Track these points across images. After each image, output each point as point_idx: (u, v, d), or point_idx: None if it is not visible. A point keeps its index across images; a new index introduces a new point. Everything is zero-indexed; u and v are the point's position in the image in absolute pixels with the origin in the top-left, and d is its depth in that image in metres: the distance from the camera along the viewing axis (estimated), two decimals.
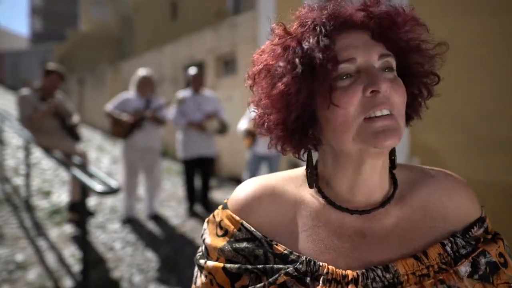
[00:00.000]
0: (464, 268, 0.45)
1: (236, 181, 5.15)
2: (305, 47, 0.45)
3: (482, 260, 0.46)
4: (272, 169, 3.55)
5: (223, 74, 5.91)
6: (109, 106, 3.56)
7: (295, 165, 4.39)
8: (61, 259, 2.82)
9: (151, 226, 3.59)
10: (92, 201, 4.15)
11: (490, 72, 2.47)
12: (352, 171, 0.49)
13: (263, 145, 3.45)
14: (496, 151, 2.45)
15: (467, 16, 2.54)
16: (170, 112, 3.73)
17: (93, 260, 2.74)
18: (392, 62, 0.47)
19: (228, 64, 5.85)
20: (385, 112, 0.44)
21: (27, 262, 2.76)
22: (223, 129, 3.77)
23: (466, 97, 2.59)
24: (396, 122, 0.45)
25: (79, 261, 2.74)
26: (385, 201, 0.50)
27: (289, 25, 0.50)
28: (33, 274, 2.59)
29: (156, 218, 3.73)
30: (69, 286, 2.46)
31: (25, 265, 2.70)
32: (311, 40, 0.45)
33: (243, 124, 3.56)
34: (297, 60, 0.45)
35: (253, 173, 3.60)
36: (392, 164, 0.53)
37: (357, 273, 0.45)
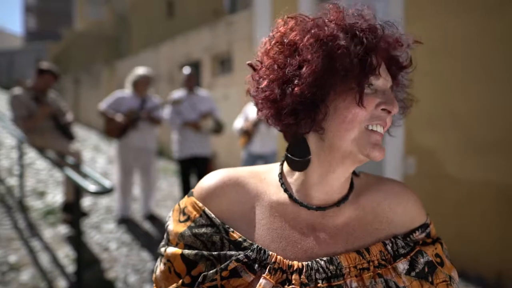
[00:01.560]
0: (402, 265, 0.50)
1: None
2: (367, 41, 0.48)
3: (421, 260, 0.50)
4: None
5: (219, 73, 5.89)
6: (103, 105, 3.50)
7: None
8: (55, 260, 2.79)
9: (147, 226, 3.56)
10: (87, 201, 4.12)
11: (485, 71, 2.47)
12: (326, 169, 0.52)
13: (258, 144, 3.44)
14: (491, 150, 2.46)
15: (462, 15, 2.54)
16: (165, 112, 3.70)
17: (87, 261, 2.72)
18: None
19: (224, 63, 5.83)
20: (380, 130, 0.50)
21: (21, 263, 2.73)
22: (218, 128, 3.75)
23: (461, 96, 2.60)
24: (381, 140, 0.51)
25: (73, 262, 2.72)
26: (340, 201, 0.54)
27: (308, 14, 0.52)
28: (26, 275, 2.56)
29: (152, 218, 3.71)
30: (63, 287, 2.44)
31: (18, 266, 2.67)
32: (370, 38, 0.48)
33: (239, 123, 3.55)
34: (358, 49, 0.47)
35: None
36: (354, 172, 0.58)
37: (302, 264, 0.48)
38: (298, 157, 0.53)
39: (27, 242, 3.09)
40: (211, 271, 0.48)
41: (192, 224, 0.52)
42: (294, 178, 0.55)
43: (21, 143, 4.08)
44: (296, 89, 0.48)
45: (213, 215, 0.52)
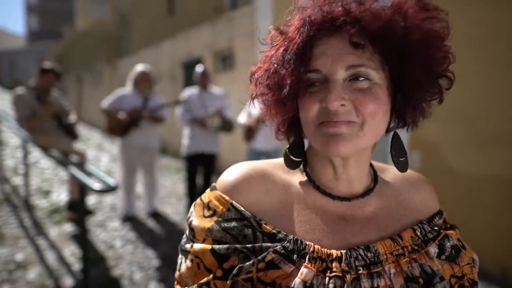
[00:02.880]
0: (433, 249, 0.51)
1: None
2: (286, 57, 0.49)
3: (447, 244, 0.52)
4: None
5: (221, 69, 5.88)
6: (105, 103, 3.48)
7: None
8: (61, 258, 2.81)
9: (151, 223, 3.58)
10: (91, 200, 4.14)
11: (490, 65, 2.45)
12: (331, 165, 0.53)
13: (262, 141, 3.44)
14: (496, 145, 2.44)
15: (466, 8, 2.51)
16: (177, 109, 3.73)
17: (93, 259, 2.74)
18: (367, 71, 0.46)
19: (226, 60, 5.81)
20: (335, 118, 0.47)
21: (27, 261, 2.75)
22: (227, 126, 3.75)
23: (465, 90, 2.57)
24: (352, 128, 0.46)
25: (79, 260, 2.74)
26: (365, 193, 0.54)
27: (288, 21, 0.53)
28: (33, 273, 2.58)
29: (156, 215, 3.72)
30: (70, 284, 2.46)
31: (25, 265, 2.70)
32: (290, 47, 0.49)
33: (242, 120, 3.54)
34: (287, 60, 0.49)
35: None
36: (393, 159, 0.55)
37: (341, 252, 0.48)
38: (294, 156, 0.56)
39: (33, 241, 3.12)
40: (247, 263, 0.46)
41: (220, 219, 0.51)
42: (316, 171, 0.55)
43: (26, 142, 4.10)
44: (271, 109, 0.53)
45: (242, 208, 0.51)
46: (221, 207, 0.51)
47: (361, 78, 0.47)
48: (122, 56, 11.12)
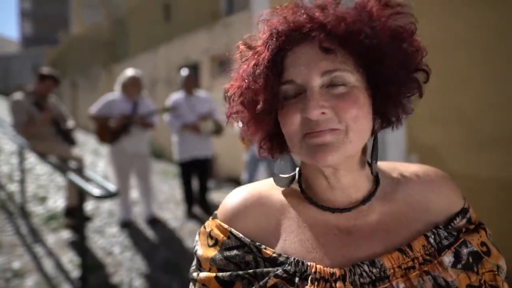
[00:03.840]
0: (447, 258, 0.47)
1: (235, 182, 5.13)
2: (257, 72, 0.47)
3: (464, 250, 0.48)
4: (271, 169, 3.54)
5: (218, 74, 5.89)
6: (93, 109, 3.41)
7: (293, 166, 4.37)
8: (59, 266, 2.77)
9: (150, 229, 3.55)
10: (89, 206, 4.10)
11: (489, 66, 2.48)
12: (321, 176, 0.51)
13: None
14: (494, 146, 2.46)
15: (465, 8, 2.54)
16: (165, 116, 3.68)
17: (92, 265, 2.71)
18: (343, 75, 0.45)
19: (223, 64, 5.82)
20: (319, 128, 0.45)
21: (25, 269, 2.71)
22: (218, 129, 3.74)
23: (464, 92, 2.60)
24: (337, 136, 0.45)
25: (77, 267, 2.71)
26: (366, 199, 0.51)
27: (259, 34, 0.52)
28: (31, 281, 2.54)
29: (154, 221, 3.69)
30: None
31: (22, 273, 2.66)
32: (260, 61, 0.48)
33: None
34: (254, 76, 0.48)
35: (252, 174, 3.58)
36: (369, 164, 0.53)
37: (344, 270, 0.46)
38: (284, 173, 0.54)
39: (30, 248, 3.08)
40: None
41: (222, 247, 0.51)
42: (310, 184, 0.53)
43: (22, 148, 4.06)
44: (248, 127, 0.52)
45: (241, 235, 0.51)
46: (221, 235, 0.52)
47: (338, 83, 0.45)
48: (118, 61, 11.10)
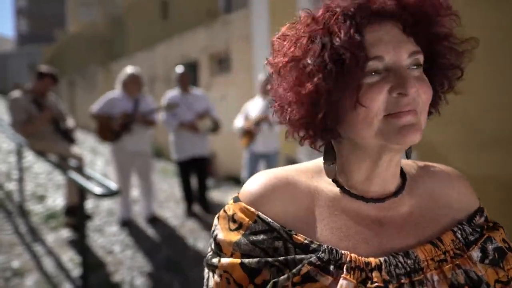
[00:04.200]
0: (475, 253, 0.47)
1: (234, 180, 5.12)
2: (336, 43, 0.43)
3: (490, 246, 0.48)
4: (271, 166, 3.54)
5: (217, 72, 5.87)
6: (95, 108, 3.39)
7: (292, 163, 4.38)
8: (59, 264, 2.76)
9: (150, 228, 3.54)
10: (88, 205, 4.08)
11: (490, 65, 2.48)
12: (369, 164, 0.49)
13: (261, 144, 3.44)
14: (495, 146, 2.47)
15: (468, 8, 2.55)
16: (161, 115, 3.66)
17: (92, 264, 2.69)
18: (421, 58, 0.46)
19: (222, 63, 5.81)
20: (407, 107, 0.44)
21: (24, 268, 2.70)
22: (215, 127, 3.73)
23: (465, 90, 2.61)
24: (418, 118, 0.45)
25: (78, 266, 2.69)
26: (397, 191, 0.51)
27: (315, 13, 0.48)
28: (30, 280, 2.53)
29: (155, 219, 3.68)
30: None
31: (22, 272, 2.64)
32: (341, 35, 0.43)
33: (240, 123, 3.54)
34: (327, 57, 0.43)
35: (252, 171, 3.58)
36: (407, 155, 0.54)
37: (379, 260, 0.45)
38: (327, 163, 0.52)
39: (30, 247, 3.06)
40: (282, 277, 0.44)
41: (247, 232, 0.48)
42: (343, 174, 0.52)
43: (21, 147, 4.03)
44: (293, 114, 0.47)
45: (269, 219, 0.48)
46: (247, 219, 0.48)
47: (417, 65, 0.46)
48: (116, 59, 11.04)
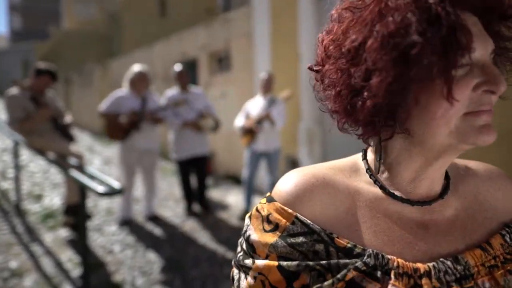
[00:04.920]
0: None
1: (233, 179, 5.10)
2: (447, 19, 0.36)
3: None
4: (272, 165, 3.52)
5: (217, 71, 5.84)
6: (103, 107, 3.39)
7: (293, 162, 4.37)
8: (58, 265, 2.72)
9: (150, 227, 3.51)
10: (87, 203, 4.03)
11: None
12: (422, 164, 0.46)
13: (262, 142, 3.42)
14: (494, 144, 2.48)
15: None
16: (163, 113, 3.63)
17: (92, 264, 2.65)
18: (493, 57, 0.44)
19: (221, 61, 5.77)
20: (487, 107, 0.42)
21: (22, 268, 2.65)
22: (215, 126, 3.72)
23: None
24: (492, 119, 0.43)
25: (77, 266, 2.65)
26: (443, 192, 0.48)
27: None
28: (29, 281, 2.48)
29: (155, 218, 3.65)
30: None
31: (20, 272, 2.59)
32: (450, 13, 0.37)
33: (240, 121, 3.51)
34: (436, 36, 0.36)
35: (253, 170, 3.56)
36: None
37: (428, 265, 0.42)
38: (377, 159, 0.48)
39: (28, 247, 3.01)
40: (326, 283, 0.41)
41: (285, 233, 0.45)
42: (385, 174, 0.49)
43: (17, 145, 3.96)
44: (367, 102, 0.41)
45: (309, 221, 0.45)
46: (284, 220, 0.45)
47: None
48: (113, 56, 10.94)
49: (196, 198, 3.90)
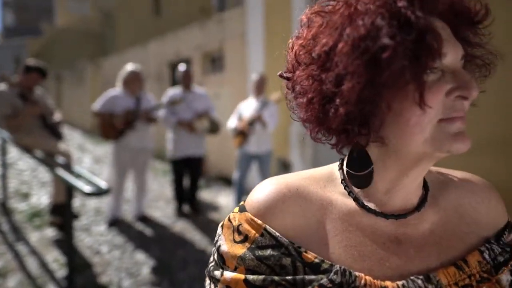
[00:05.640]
0: (505, 277, 0.43)
1: (225, 180, 5.08)
2: (418, 23, 0.36)
3: None
4: (263, 167, 3.51)
5: (210, 71, 5.82)
6: (97, 106, 3.35)
7: (285, 164, 4.38)
8: (43, 265, 2.67)
9: (139, 227, 3.47)
10: (75, 203, 3.97)
11: None
12: (397, 174, 0.44)
13: (254, 144, 3.41)
14: (486, 151, 2.51)
15: None
16: (161, 111, 3.62)
17: (78, 265, 2.61)
18: (463, 63, 0.44)
19: (215, 61, 5.76)
20: (460, 113, 0.41)
21: (6, 268, 2.59)
22: (214, 128, 3.69)
23: None
24: (465, 125, 0.42)
25: (63, 266, 2.61)
26: (420, 205, 0.47)
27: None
28: (13, 281, 2.43)
29: (144, 219, 3.61)
30: None
31: (4, 272, 2.54)
32: (420, 17, 0.36)
33: (233, 123, 3.50)
34: (407, 40, 0.36)
35: (244, 172, 3.55)
36: None
37: (397, 284, 0.41)
38: (359, 171, 0.46)
39: (13, 247, 2.95)
40: None
41: (253, 246, 0.44)
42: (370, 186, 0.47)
43: (4, 142, 3.89)
44: (340, 110, 0.39)
45: (277, 234, 0.44)
46: (253, 231, 0.44)
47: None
48: (106, 54, 10.84)
49: (187, 199, 3.88)
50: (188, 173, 3.78)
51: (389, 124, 0.41)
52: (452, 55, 0.40)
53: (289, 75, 0.46)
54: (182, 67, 3.69)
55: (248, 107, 3.44)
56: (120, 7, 11.74)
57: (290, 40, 0.46)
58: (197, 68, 5.91)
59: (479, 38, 0.45)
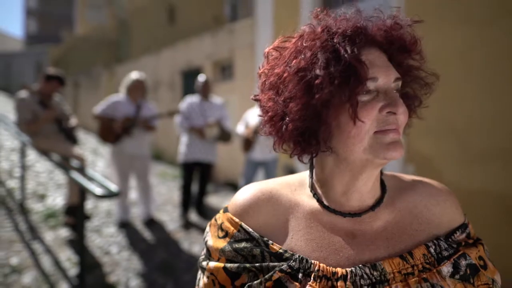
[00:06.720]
0: (446, 268, 0.49)
1: (232, 186, 5.17)
2: (343, 59, 0.45)
3: (463, 262, 0.50)
4: (269, 174, 3.58)
5: (220, 79, 5.96)
6: (98, 109, 3.48)
7: (291, 170, 4.43)
8: (57, 263, 2.80)
9: (147, 230, 3.58)
10: (87, 205, 4.13)
11: (483, 81, 2.55)
12: (350, 178, 0.53)
13: (259, 151, 3.49)
14: (488, 159, 2.52)
15: (460, 25, 2.62)
16: (176, 117, 3.75)
17: (89, 264, 2.73)
18: (400, 84, 0.51)
19: (225, 70, 5.90)
20: (393, 126, 0.49)
21: (23, 265, 2.74)
22: (225, 137, 3.78)
23: (458, 105, 2.67)
24: (400, 136, 0.50)
25: (75, 265, 2.74)
26: (375, 205, 0.54)
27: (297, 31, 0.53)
28: (28, 277, 2.57)
29: (152, 222, 3.73)
30: None
31: (20, 269, 2.68)
32: (348, 52, 0.45)
33: (240, 130, 3.60)
34: (335, 71, 0.45)
35: (250, 178, 3.62)
36: (380, 171, 0.58)
37: (346, 270, 0.48)
38: (310, 176, 0.57)
39: (29, 245, 3.10)
40: (255, 282, 0.49)
41: (232, 240, 0.54)
42: (324, 188, 0.56)
43: (24, 145, 4.10)
44: (289, 125, 0.49)
45: (250, 229, 0.54)
46: (232, 228, 0.55)
47: (398, 89, 0.51)
48: (121, 62, 11.18)
49: (193, 203, 3.97)
50: (197, 177, 3.88)
51: (336, 136, 0.50)
52: (383, 78, 0.49)
53: (258, 97, 0.57)
54: (201, 77, 3.83)
55: (254, 115, 3.53)
56: (136, 16, 12.13)
57: (258, 69, 0.57)
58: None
59: (417, 62, 0.54)
